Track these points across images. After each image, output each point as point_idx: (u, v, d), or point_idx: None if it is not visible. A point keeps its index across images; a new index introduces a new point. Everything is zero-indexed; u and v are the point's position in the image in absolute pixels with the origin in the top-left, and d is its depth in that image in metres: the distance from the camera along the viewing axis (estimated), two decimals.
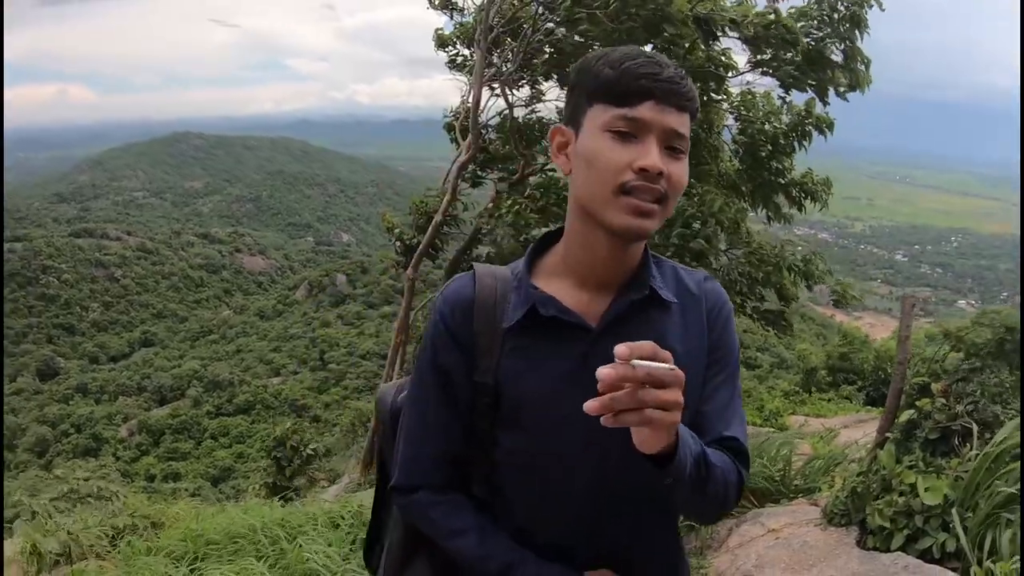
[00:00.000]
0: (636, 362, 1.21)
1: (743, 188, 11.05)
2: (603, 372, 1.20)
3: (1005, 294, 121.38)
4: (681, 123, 1.53)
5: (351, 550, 5.28)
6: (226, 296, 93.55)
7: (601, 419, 1.22)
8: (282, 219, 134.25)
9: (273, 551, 5.35)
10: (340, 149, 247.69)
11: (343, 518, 5.98)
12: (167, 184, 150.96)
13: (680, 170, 1.55)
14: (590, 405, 1.21)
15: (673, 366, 1.25)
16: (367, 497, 6.92)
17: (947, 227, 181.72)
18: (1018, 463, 4.28)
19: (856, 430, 10.21)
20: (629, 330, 1.56)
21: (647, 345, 1.24)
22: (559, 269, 1.68)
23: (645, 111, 1.50)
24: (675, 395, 1.26)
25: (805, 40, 9.43)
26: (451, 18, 12.09)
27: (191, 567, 5.32)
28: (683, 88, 1.53)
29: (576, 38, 10.13)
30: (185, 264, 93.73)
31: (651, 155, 1.49)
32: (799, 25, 9.47)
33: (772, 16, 9.30)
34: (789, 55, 9.55)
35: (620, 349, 1.22)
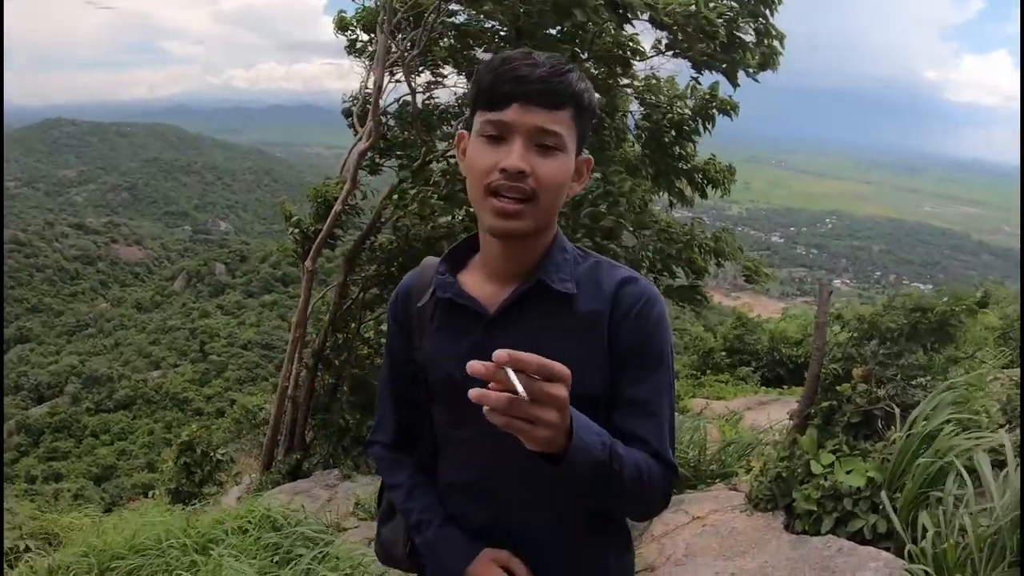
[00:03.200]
0: (509, 371, 1.23)
1: (645, 172, 11.09)
2: (472, 365, 1.23)
3: (878, 273, 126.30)
4: (551, 121, 1.60)
5: (275, 561, 5.06)
6: (102, 288, 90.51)
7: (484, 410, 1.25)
8: (159, 208, 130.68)
9: (181, 564, 5.09)
10: (217, 135, 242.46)
11: (250, 523, 5.76)
12: (40, 173, 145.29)
13: (552, 167, 1.62)
14: (472, 394, 1.24)
15: (553, 387, 1.27)
16: (272, 501, 6.74)
17: (821, 210, 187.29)
18: (939, 440, 4.37)
19: (759, 412, 10.39)
20: (522, 319, 1.72)
21: (532, 359, 1.25)
22: (477, 263, 1.83)
23: (510, 114, 1.58)
24: (544, 413, 1.27)
25: (719, 21, 9.47)
26: (373, 2, 11.84)
27: None
28: (555, 87, 1.59)
29: (481, 23, 10.02)
30: (59, 256, 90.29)
31: (513, 155, 1.58)
32: (711, 6, 9.50)
33: (693, 7, 9.30)
34: (700, 45, 9.58)
35: (499, 353, 1.22)
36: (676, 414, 1.90)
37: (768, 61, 9.96)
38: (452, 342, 1.78)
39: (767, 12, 9.80)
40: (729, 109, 10.52)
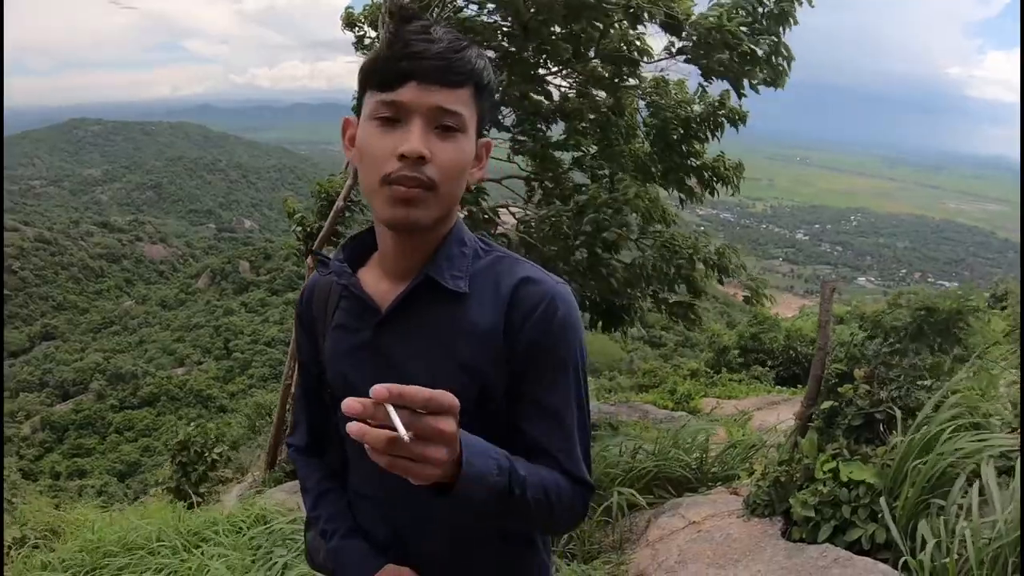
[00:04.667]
0: (389, 408, 1.12)
1: (653, 170, 10.96)
2: (347, 403, 1.11)
3: (903, 271, 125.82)
4: (451, 100, 1.47)
5: (253, 560, 4.99)
6: (127, 286, 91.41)
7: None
8: (183, 206, 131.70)
9: (171, 562, 5.07)
10: (241, 134, 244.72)
11: (244, 522, 5.71)
12: (65, 172, 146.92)
13: (452, 150, 1.49)
14: (350, 427, 1.12)
15: (441, 422, 1.18)
16: (269, 500, 6.71)
17: (846, 207, 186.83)
18: (939, 445, 4.19)
19: (770, 412, 10.26)
20: (412, 318, 1.60)
21: (417, 393, 1.15)
22: (375, 260, 1.72)
23: (406, 93, 1.45)
24: (430, 451, 1.18)
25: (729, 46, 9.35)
26: None
27: None
28: (454, 63, 1.46)
29: (487, 16, 9.89)
30: (85, 254, 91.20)
31: (411, 139, 1.44)
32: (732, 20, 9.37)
33: (715, 19, 9.14)
34: (719, 54, 9.43)
35: (377, 389, 1.12)
36: (686, 415, 1.75)
37: (775, 80, 9.77)
38: (344, 341, 1.69)
39: (780, 30, 9.62)
40: (737, 119, 10.34)
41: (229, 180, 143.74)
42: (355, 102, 1.62)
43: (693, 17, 9.26)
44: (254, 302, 75.99)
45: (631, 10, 9.02)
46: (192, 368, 67.27)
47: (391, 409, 1.12)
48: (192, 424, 11.47)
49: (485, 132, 1.66)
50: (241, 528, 5.63)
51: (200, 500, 9.52)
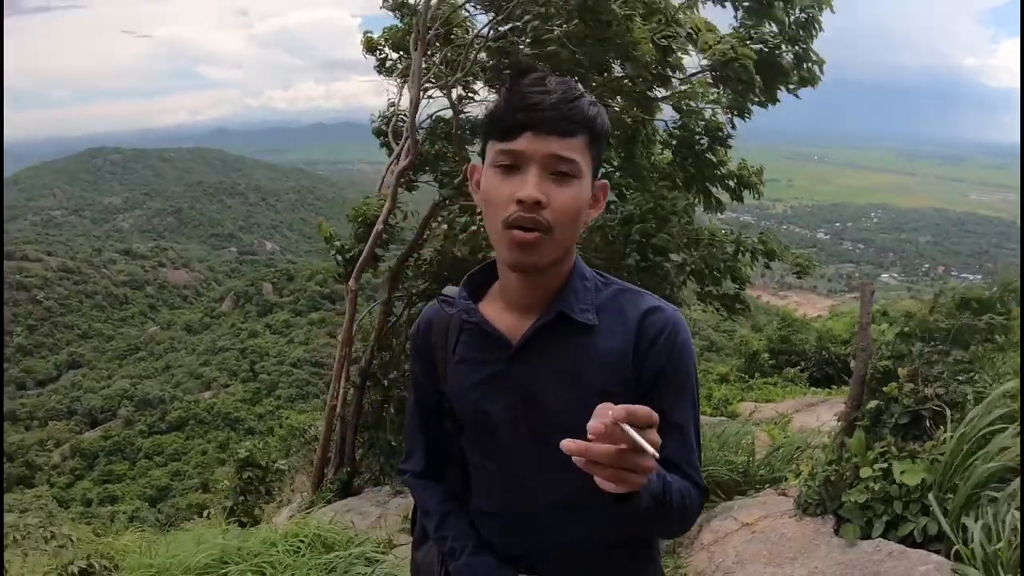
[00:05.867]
0: (626, 427, 1.24)
1: (676, 179, 11.13)
2: (592, 426, 1.24)
3: (926, 266, 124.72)
4: (566, 148, 1.58)
5: None
6: (152, 312, 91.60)
7: (575, 458, 1.25)
8: (204, 231, 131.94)
9: None
10: (259, 156, 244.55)
11: (303, 542, 5.77)
12: (85, 201, 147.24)
13: (568, 195, 1.60)
14: (567, 445, 1.24)
15: (654, 435, 1.28)
16: (323, 518, 6.75)
17: (866, 203, 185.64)
18: (995, 440, 4.30)
19: (808, 414, 10.33)
20: (544, 351, 1.72)
21: (644, 411, 1.26)
22: (495, 294, 1.83)
23: (522, 143, 1.57)
24: (651, 463, 1.28)
25: (758, 46, 9.55)
26: (401, 21, 11.94)
27: None
28: (568, 113, 1.57)
29: (527, 50, 10.06)
30: (108, 282, 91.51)
31: (528, 186, 1.56)
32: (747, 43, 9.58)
33: (731, 52, 9.34)
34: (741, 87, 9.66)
35: (616, 411, 1.23)
36: (725, 419, 1.93)
37: (807, 82, 9.96)
38: (473, 373, 1.80)
39: (806, 38, 9.78)
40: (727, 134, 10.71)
41: (249, 203, 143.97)
42: (470, 146, 1.77)
43: (710, 50, 9.50)
44: (278, 323, 76.01)
45: (661, 52, 9.26)
46: (219, 391, 67.27)
47: (628, 428, 1.24)
48: (249, 441, 11.49)
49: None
50: (300, 548, 5.69)
51: (253, 521, 9.58)
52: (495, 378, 1.75)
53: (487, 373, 1.77)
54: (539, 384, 1.72)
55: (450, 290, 1.89)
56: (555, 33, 9.20)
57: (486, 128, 1.66)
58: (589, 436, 1.24)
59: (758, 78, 9.47)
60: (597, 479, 1.29)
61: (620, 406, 1.24)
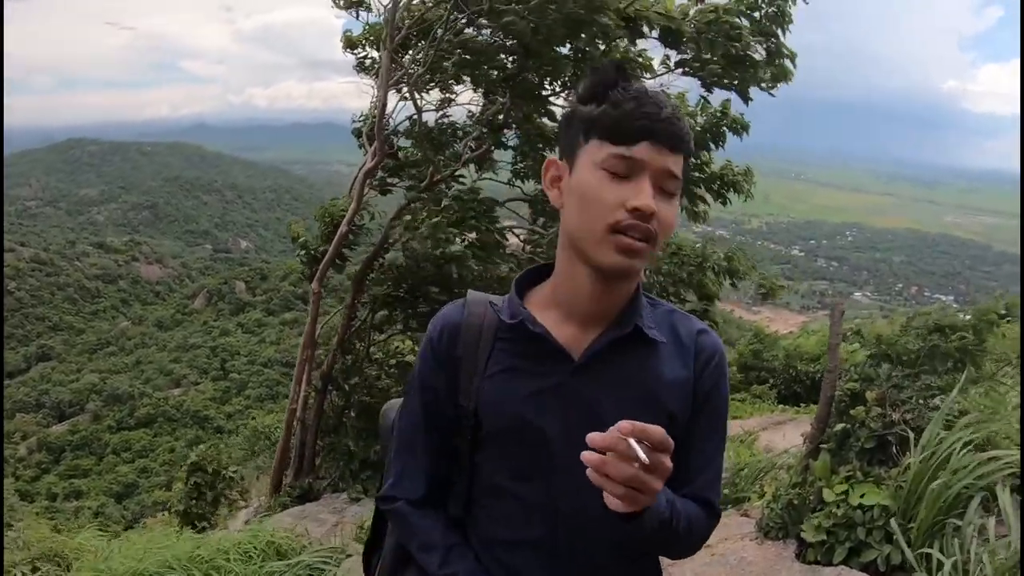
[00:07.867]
0: (632, 442, 1.26)
1: None
2: (592, 437, 1.28)
3: (900, 285, 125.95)
4: (675, 164, 1.55)
5: None
6: (123, 306, 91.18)
7: (588, 471, 1.29)
8: (179, 226, 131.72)
9: None
10: (238, 154, 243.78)
11: (255, 549, 5.66)
12: (61, 192, 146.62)
13: (671, 211, 1.57)
14: (587, 457, 1.29)
15: (665, 459, 1.32)
16: (278, 524, 6.66)
17: (841, 222, 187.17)
18: (952, 460, 4.21)
19: (775, 432, 10.27)
20: (611, 366, 1.64)
21: (656, 431, 1.29)
22: (548, 302, 1.72)
23: (642, 151, 1.52)
24: (658, 484, 1.32)
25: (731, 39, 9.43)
26: (357, 18, 11.77)
27: None
28: (679, 129, 1.54)
29: (488, 36, 9.92)
30: (81, 275, 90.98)
31: (645, 195, 1.51)
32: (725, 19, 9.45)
33: (713, 14, 9.24)
34: (708, 56, 9.52)
35: (623, 425, 1.27)
36: None
37: (780, 77, 9.87)
38: (524, 384, 1.67)
39: (778, 31, 9.70)
40: (740, 128, 10.48)
41: (225, 200, 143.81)
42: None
43: (691, 13, 9.37)
44: (251, 323, 75.92)
45: (630, 23, 9.10)
46: (189, 389, 67.13)
47: (634, 443, 1.25)
48: (203, 445, 11.40)
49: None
50: (252, 556, 5.58)
51: (207, 525, 9.47)
52: (551, 390, 1.65)
53: (542, 385, 1.66)
54: (606, 400, 1.64)
55: (473, 295, 1.80)
56: (512, 5, 9.02)
57: (588, 127, 1.58)
58: (591, 446, 1.29)
59: (746, 34, 9.35)
60: (605, 496, 1.32)
61: (626, 421, 1.28)
